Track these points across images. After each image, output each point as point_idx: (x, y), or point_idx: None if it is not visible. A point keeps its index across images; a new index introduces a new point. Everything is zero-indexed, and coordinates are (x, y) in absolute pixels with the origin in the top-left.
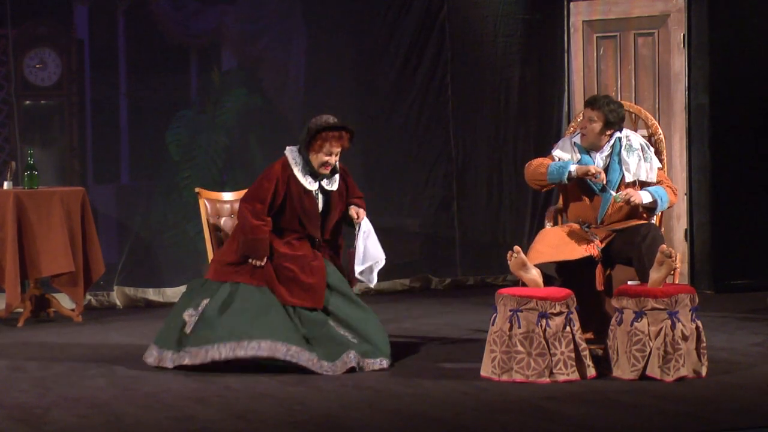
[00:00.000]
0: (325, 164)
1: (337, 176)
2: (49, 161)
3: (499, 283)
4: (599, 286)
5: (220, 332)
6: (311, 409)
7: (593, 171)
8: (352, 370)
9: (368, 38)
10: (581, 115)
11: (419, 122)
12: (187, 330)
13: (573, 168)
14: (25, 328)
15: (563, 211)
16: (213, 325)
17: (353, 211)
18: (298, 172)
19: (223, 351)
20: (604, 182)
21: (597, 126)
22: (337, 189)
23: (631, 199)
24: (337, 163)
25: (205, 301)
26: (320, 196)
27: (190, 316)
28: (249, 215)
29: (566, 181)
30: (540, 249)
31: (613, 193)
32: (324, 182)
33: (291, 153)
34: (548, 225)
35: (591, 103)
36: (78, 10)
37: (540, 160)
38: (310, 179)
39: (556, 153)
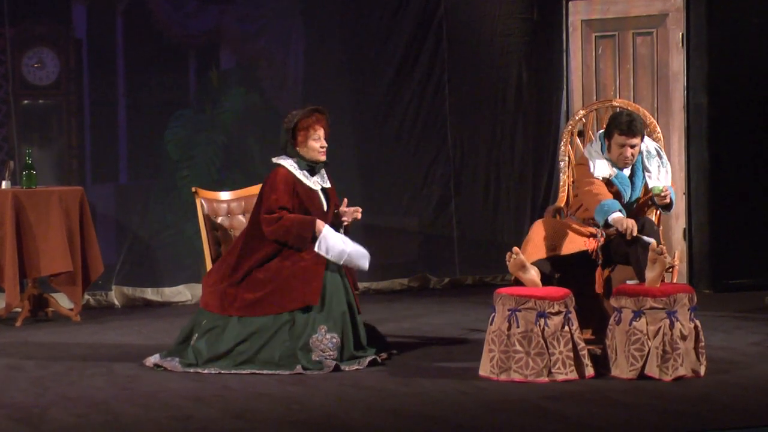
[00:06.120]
0: (320, 149)
1: (324, 171)
2: (47, 161)
3: (498, 282)
4: (599, 288)
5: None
6: (310, 408)
7: (630, 227)
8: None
9: (366, 37)
10: (615, 143)
11: (417, 121)
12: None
13: (611, 218)
14: (24, 328)
15: (562, 210)
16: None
17: (353, 212)
18: (301, 175)
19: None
20: (635, 234)
21: (638, 148)
22: (330, 185)
23: (666, 197)
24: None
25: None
26: (321, 195)
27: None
28: (268, 224)
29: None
30: (537, 243)
31: (655, 183)
32: (320, 180)
33: (284, 160)
34: None
35: (630, 131)
36: (77, 10)
37: (597, 188)
38: (313, 179)
39: (598, 173)
